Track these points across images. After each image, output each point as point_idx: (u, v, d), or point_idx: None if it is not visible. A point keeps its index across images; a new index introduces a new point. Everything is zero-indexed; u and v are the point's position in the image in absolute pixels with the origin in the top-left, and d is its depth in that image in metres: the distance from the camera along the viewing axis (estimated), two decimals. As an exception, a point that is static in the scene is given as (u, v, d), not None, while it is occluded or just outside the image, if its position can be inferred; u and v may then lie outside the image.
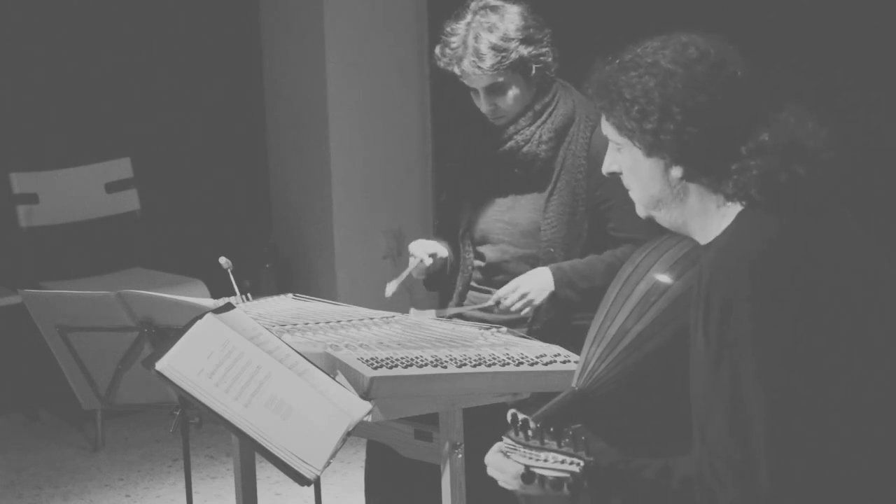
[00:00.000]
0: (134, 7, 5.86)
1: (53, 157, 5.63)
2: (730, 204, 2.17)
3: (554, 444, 2.11)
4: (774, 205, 2.13)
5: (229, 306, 2.71)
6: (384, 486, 3.46)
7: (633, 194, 2.26)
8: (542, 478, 2.09)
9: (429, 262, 3.44)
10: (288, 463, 2.47)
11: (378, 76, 5.88)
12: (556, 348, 2.96)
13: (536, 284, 3.33)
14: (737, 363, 2.05)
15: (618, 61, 2.21)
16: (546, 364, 2.85)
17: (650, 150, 2.17)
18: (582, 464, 2.08)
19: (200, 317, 2.61)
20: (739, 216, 2.15)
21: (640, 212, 2.27)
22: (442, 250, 3.50)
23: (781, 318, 2.04)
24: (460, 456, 2.85)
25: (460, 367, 2.78)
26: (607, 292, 2.48)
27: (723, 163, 2.14)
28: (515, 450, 2.15)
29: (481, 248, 3.52)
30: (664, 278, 2.41)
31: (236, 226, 6.12)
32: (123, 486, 4.78)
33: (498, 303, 3.35)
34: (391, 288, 3.40)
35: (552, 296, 3.33)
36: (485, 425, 3.06)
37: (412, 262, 3.45)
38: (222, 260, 3.33)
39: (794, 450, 2.04)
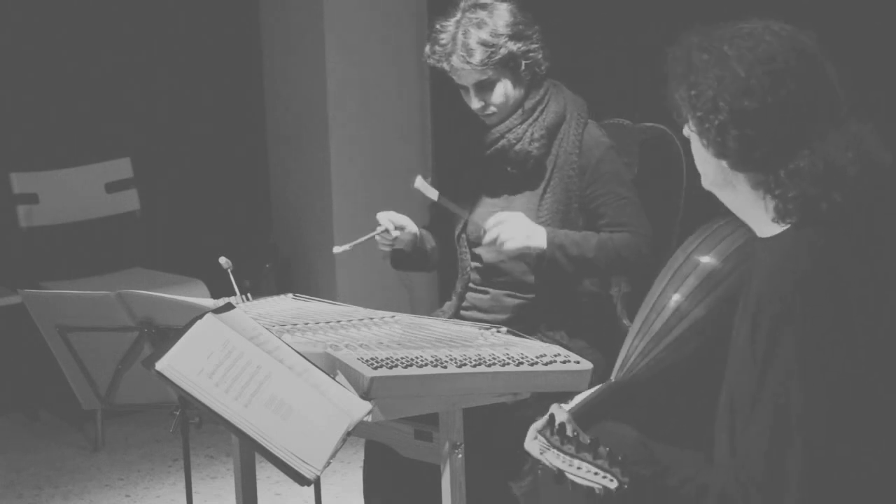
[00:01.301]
0: (134, 7, 5.86)
1: (53, 157, 5.63)
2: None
3: (588, 456, 2.12)
4: (815, 226, 2.12)
5: (229, 306, 2.71)
6: (383, 487, 3.46)
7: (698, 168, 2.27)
8: (574, 483, 2.10)
9: (395, 233, 3.44)
10: (288, 463, 2.47)
11: (378, 76, 5.88)
12: (556, 348, 2.95)
13: (533, 228, 3.32)
14: (783, 387, 2.04)
15: (704, 35, 2.21)
16: (546, 364, 2.85)
17: (698, 136, 2.19)
18: (616, 483, 2.08)
19: (200, 317, 2.61)
20: (795, 225, 2.14)
21: (704, 185, 2.26)
22: (412, 225, 3.49)
23: (830, 345, 2.03)
24: (460, 456, 2.85)
25: (460, 367, 2.78)
26: (656, 282, 2.47)
27: (760, 178, 2.14)
28: (549, 449, 2.15)
29: (477, 250, 3.52)
30: (718, 266, 2.39)
31: (236, 226, 6.12)
32: (123, 486, 4.78)
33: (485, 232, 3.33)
34: (339, 249, 3.39)
35: (542, 253, 3.32)
36: (485, 425, 3.07)
37: (377, 230, 3.45)
38: (222, 260, 3.33)
39: (829, 480, 2.03)
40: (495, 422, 3.17)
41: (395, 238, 3.45)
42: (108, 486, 4.80)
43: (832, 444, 2.03)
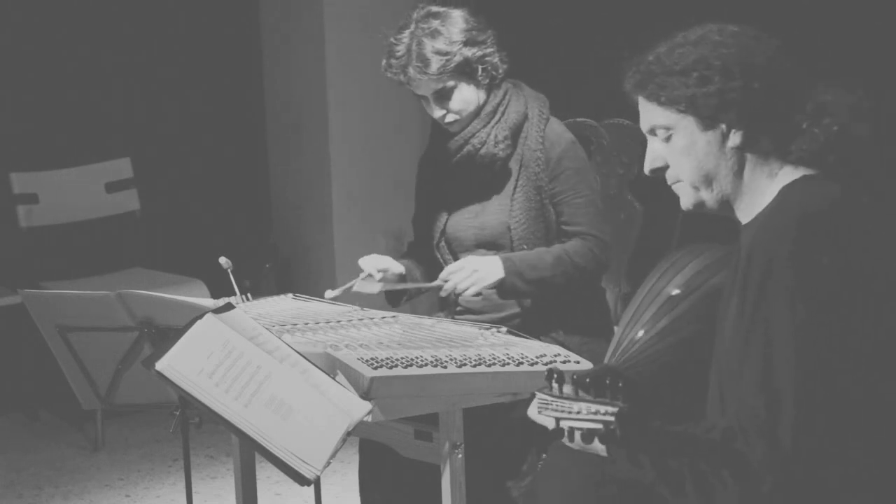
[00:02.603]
0: (134, 7, 5.86)
1: (53, 157, 5.63)
2: (781, 173, 2.19)
3: (589, 394, 2.06)
4: (843, 166, 2.17)
5: (229, 306, 2.71)
6: (379, 486, 3.46)
7: (683, 183, 2.26)
8: (572, 431, 2.05)
9: (378, 276, 3.42)
10: (288, 463, 2.47)
11: (378, 76, 5.86)
12: (556, 348, 2.96)
13: (486, 266, 3.33)
14: (772, 321, 2.06)
15: (654, 53, 2.25)
16: (546, 364, 2.85)
17: (713, 116, 2.19)
18: (616, 410, 2.02)
19: (200, 317, 2.61)
20: (782, 191, 2.18)
21: (687, 201, 2.27)
22: (395, 266, 3.47)
23: (821, 281, 2.05)
24: (460, 456, 2.85)
25: (460, 367, 2.78)
26: (644, 281, 2.49)
27: (789, 120, 2.17)
28: (548, 405, 2.09)
29: (460, 256, 3.51)
30: (677, 291, 2.43)
31: (236, 226, 6.12)
32: (123, 486, 4.78)
33: (446, 281, 3.34)
34: (331, 294, 3.39)
35: (500, 283, 3.33)
36: (485, 425, 3.07)
37: (361, 276, 3.43)
38: (222, 260, 3.33)
39: (821, 413, 2.05)
40: (495, 422, 3.17)
41: (380, 281, 3.44)
42: (108, 486, 4.80)
43: (825, 386, 2.04)
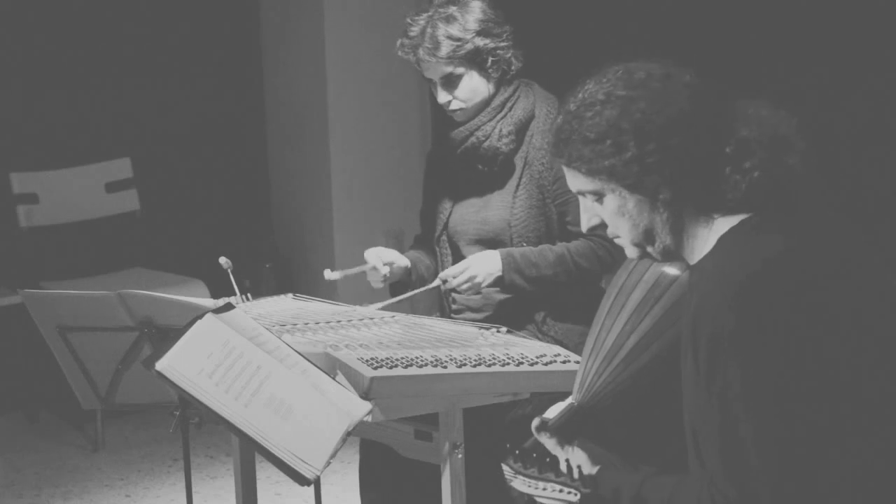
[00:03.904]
0: (134, 7, 5.86)
1: (53, 157, 5.63)
2: (717, 220, 2.12)
3: (551, 474, 2.16)
4: (775, 206, 2.09)
5: (229, 306, 2.71)
6: (379, 486, 3.46)
7: (623, 238, 2.20)
8: None
9: (384, 270, 3.43)
10: (288, 463, 2.47)
11: (378, 76, 5.88)
12: (556, 348, 2.96)
13: (484, 267, 3.35)
14: (728, 405, 2.00)
15: (563, 113, 2.17)
16: (546, 364, 2.85)
17: (637, 182, 2.10)
18: (579, 496, 2.11)
19: (200, 317, 2.61)
20: (721, 240, 2.11)
21: (632, 253, 2.21)
22: (401, 259, 3.48)
23: (769, 354, 1.98)
24: (460, 456, 2.85)
25: (460, 367, 2.78)
26: (602, 302, 2.46)
27: (713, 168, 2.09)
28: (515, 477, 2.20)
29: (461, 250, 3.52)
30: (672, 270, 2.39)
31: (236, 226, 6.12)
32: (123, 486, 4.79)
33: (445, 281, 3.36)
34: (331, 275, 3.40)
35: (499, 280, 3.35)
36: (485, 425, 3.07)
37: (365, 267, 3.44)
38: (222, 260, 3.33)
39: (796, 489, 1.99)
40: (495, 422, 3.17)
41: (385, 274, 3.44)
42: (108, 486, 4.80)
43: (790, 463, 1.98)
